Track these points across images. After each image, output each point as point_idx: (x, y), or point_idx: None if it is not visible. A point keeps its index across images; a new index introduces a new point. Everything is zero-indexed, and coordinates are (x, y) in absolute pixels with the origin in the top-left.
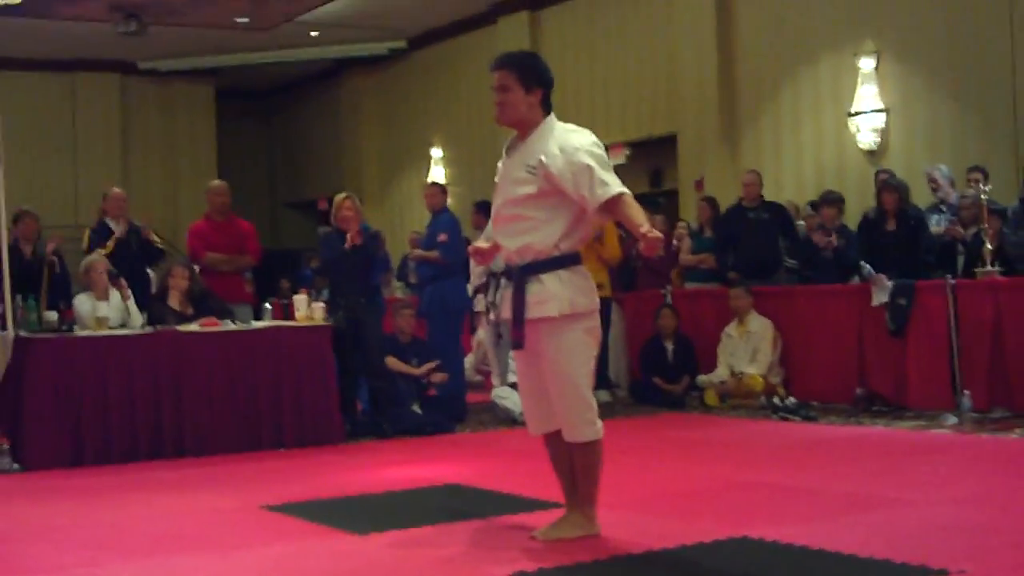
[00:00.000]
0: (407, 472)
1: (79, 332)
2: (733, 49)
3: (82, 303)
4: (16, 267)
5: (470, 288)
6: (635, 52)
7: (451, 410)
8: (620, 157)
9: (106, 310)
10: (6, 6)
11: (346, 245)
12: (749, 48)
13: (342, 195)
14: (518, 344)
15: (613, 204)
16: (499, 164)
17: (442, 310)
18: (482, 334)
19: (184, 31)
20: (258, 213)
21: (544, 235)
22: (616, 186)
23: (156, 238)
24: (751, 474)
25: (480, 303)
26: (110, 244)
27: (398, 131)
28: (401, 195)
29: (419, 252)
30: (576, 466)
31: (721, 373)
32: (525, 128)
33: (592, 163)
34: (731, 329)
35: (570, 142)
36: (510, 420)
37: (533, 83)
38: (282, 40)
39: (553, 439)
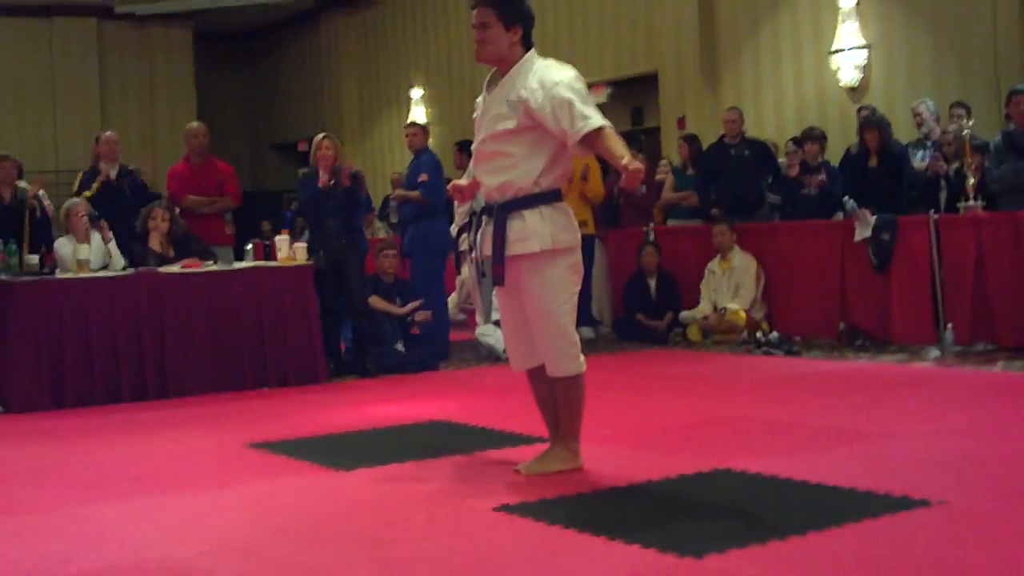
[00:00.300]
0: (391, 409)
1: (60, 275)
2: None
3: (63, 246)
4: None
5: (453, 228)
6: None
7: (434, 348)
8: (601, 96)
9: (87, 253)
10: None
11: (319, 184)
12: None
13: (321, 135)
14: (498, 280)
15: (594, 137)
16: (479, 100)
17: (424, 250)
18: (466, 272)
19: None
20: (239, 156)
21: (524, 171)
22: (597, 119)
23: (146, 179)
24: (733, 408)
25: (464, 242)
26: (95, 186)
27: (378, 72)
28: (382, 136)
29: (400, 192)
30: (559, 401)
31: (704, 309)
32: (505, 65)
33: (572, 97)
34: (714, 265)
35: (550, 76)
36: (493, 357)
37: (514, 20)
38: None
39: (536, 374)
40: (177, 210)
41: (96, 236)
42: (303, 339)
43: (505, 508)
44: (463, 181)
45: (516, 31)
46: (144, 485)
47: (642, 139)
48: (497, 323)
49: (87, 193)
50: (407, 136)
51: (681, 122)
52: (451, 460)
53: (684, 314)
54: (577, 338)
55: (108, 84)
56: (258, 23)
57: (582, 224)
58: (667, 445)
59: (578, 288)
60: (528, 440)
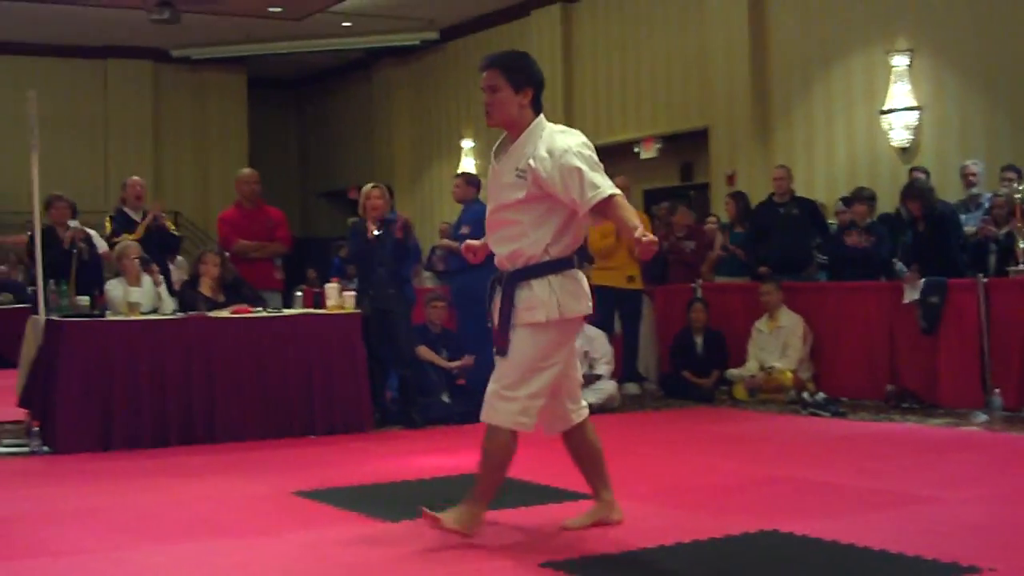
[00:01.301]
0: (436, 461)
1: (111, 317)
2: (765, 43)
3: (114, 288)
4: (48, 252)
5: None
6: (667, 45)
7: (480, 400)
8: (652, 150)
9: (138, 295)
10: None
11: (368, 235)
12: (781, 43)
13: (370, 185)
14: (501, 351)
15: (604, 206)
16: (490, 167)
17: (470, 300)
18: None
19: (216, 19)
20: (289, 202)
21: (533, 240)
22: (607, 188)
23: (171, 226)
24: (780, 469)
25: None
26: (139, 230)
27: (429, 122)
28: (432, 185)
29: (445, 242)
30: (482, 450)
31: (751, 367)
32: (515, 129)
33: (581, 165)
34: (761, 324)
35: (558, 144)
36: None
37: (523, 83)
38: (314, 30)
39: (569, 436)
40: (227, 255)
41: (147, 279)
42: (350, 388)
43: (551, 565)
44: (478, 242)
45: (526, 94)
46: (191, 530)
47: (691, 194)
48: None
49: (132, 236)
50: (455, 187)
51: (731, 179)
52: (496, 514)
53: (731, 372)
54: (523, 396)
55: (162, 126)
56: (311, 70)
57: (630, 279)
58: (714, 504)
59: (564, 358)
60: (573, 496)
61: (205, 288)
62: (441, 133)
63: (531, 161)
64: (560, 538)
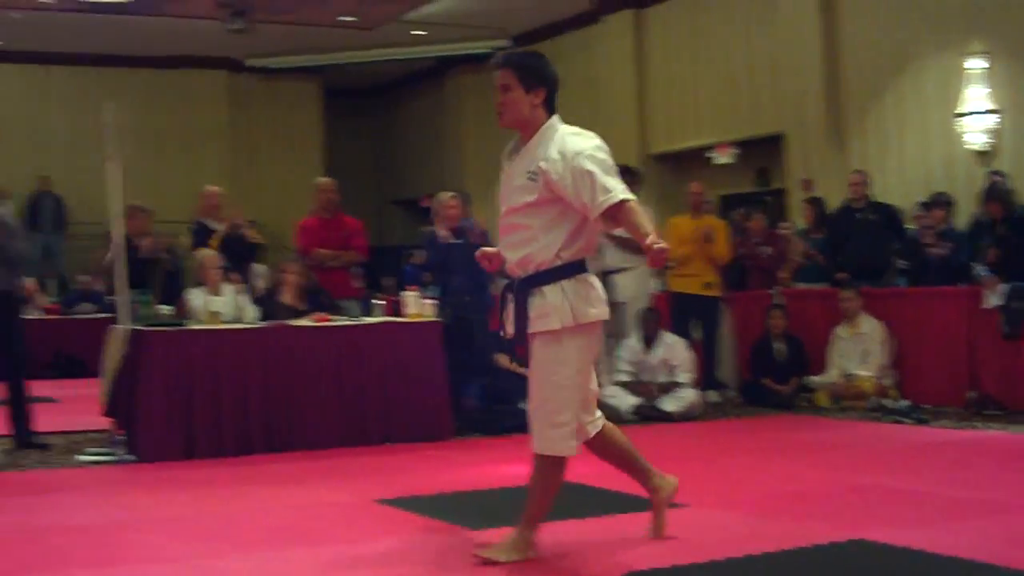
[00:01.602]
0: (516, 469)
1: (192, 326)
2: (839, 47)
3: (195, 297)
4: (130, 262)
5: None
6: (740, 50)
7: None
8: (727, 156)
9: (219, 304)
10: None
11: (440, 240)
12: (854, 47)
13: (447, 194)
14: (523, 362)
15: (616, 211)
16: (502, 169)
17: None
18: None
19: (290, 29)
20: (364, 210)
21: (544, 245)
22: (619, 192)
23: (252, 234)
24: (864, 476)
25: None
26: (215, 239)
27: (501, 130)
28: None
29: None
30: (532, 478)
31: (832, 374)
32: (527, 130)
33: (593, 168)
34: (841, 330)
35: (570, 146)
36: (617, 419)
37: (535, 83)
38: (387, 39)
39: (592, 444)
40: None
41: (228, 288)
42: (430, 395)
43: (635, 574)
44: (492, 249)
45: (538, 94)
46: (275, 538)
47: (767, 200)
48: (622, 384)
49: (212, 243)
50: None
51: (807, 184)
52: (579, 523)
53: (811, 379)
54: (570, 419)
55: (238, 136)
56: (385, 79)
57: (707, 286)
58: (799, 512)
59: (589, 369)
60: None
61: (286, 296)
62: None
63: (542, 163)
64: (644, 547)
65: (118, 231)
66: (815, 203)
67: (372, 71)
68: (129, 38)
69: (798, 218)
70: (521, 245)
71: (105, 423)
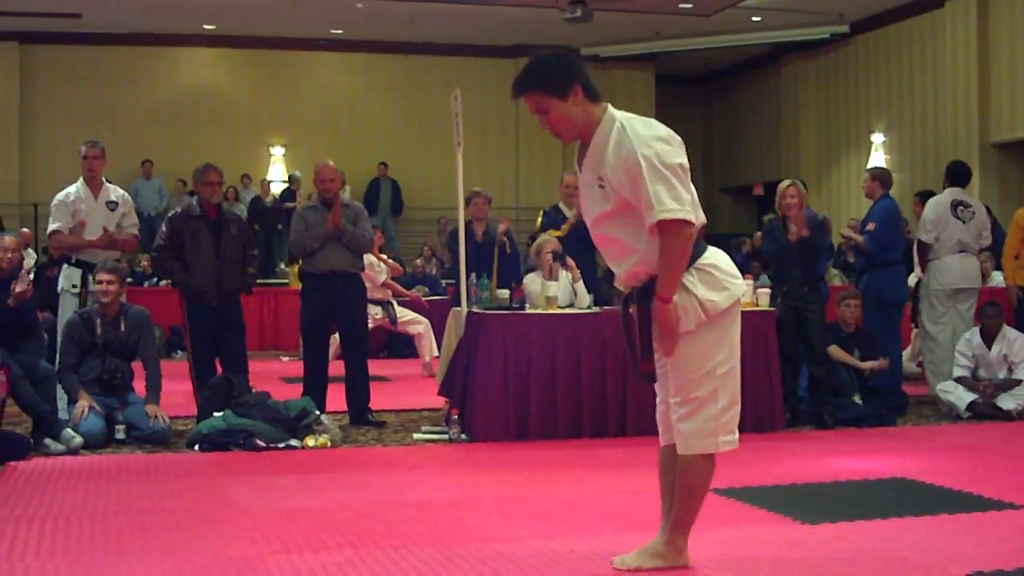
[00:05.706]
0: (850, 463)
1: (529, 310)
2: None
3: (532, 282)
4: (470, 247)
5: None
6: None
7: (892, 402)
8: None
9: (555, 290)
10: None
11: (790, 237)
12: None
13: (786, 182)
14: (649, 378)
15: (665, 228)
16: (578, 179)
17: (877, 300)
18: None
19: (627, 17)
20: None
21: (644, 256)
22: (672, 207)
23: None
24: None
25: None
26: (565, 227)
27: (838, 116)
28: (840, 180)
29: (851, 234)
30: (678, 482)
31: None
32: (588, 132)
33: (643, 168)
34: None
35: (625, 143)
36: (954, 415)
37: (565, 85)
38: (723, 25)
39: (668, 449)
40: None
41: (564, 274)
42: (763, 385)
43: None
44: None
45: (575, 91)
46: (610, 523)
47: None
48: (958, 380)
49: (557, 232)
50: (864, 184)
51: None
52: (917, 521)
53: None
54: (729, 417)
55: None
56: (715, 65)
57: None
58: None
59: (736, 354)
60: (998, 505)
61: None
62: (850, 127)
63: (605, 169)
64: (988, 547)
65: (462, 216)
66: None
67: (706, 58)
68: (471, 27)
69: None
70: (621, 259)
71: (440, 402)
